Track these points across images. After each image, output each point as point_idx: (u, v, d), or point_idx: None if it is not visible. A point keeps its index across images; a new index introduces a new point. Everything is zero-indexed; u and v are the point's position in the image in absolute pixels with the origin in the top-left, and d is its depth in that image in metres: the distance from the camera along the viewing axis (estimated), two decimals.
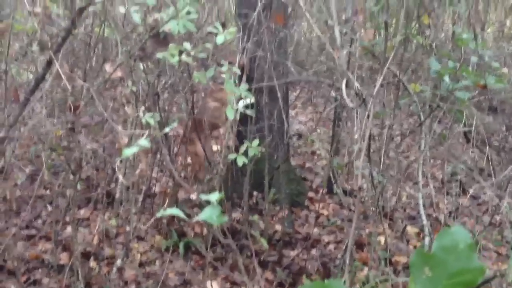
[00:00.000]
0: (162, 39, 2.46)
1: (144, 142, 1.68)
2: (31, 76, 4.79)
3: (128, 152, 1.62)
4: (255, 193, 4.36)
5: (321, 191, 4.76)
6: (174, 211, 1.15)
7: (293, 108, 6.93)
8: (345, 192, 4.62)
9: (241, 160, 3.16)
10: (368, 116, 1.96)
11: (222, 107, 3.60)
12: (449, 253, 0.71)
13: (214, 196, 1.14)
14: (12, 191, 3.58)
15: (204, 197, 1.15)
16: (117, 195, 3.79)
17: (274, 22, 3.56)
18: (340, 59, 1.90)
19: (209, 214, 1.09)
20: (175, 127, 4.00)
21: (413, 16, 3.48)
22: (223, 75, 2.73)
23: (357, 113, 3.07)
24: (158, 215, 1.22)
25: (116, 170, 2.84)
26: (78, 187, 3.80)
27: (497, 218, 4.26)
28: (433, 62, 3.29)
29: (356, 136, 4.34)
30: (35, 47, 2.18)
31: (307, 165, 5.43)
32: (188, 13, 2.42)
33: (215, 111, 3.61)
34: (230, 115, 2.85)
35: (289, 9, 3.96)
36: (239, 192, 4.17)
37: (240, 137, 4.21)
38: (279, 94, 3.57)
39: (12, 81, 3.01)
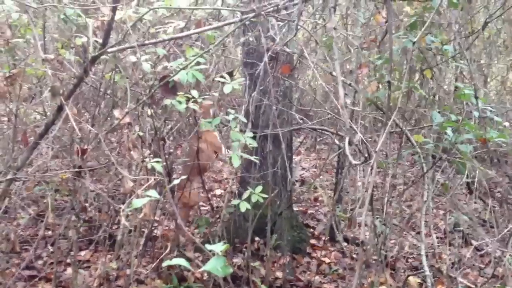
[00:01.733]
0: (171, 88, 2.53)
1: (153, 193, 1.71)
2: (38, 117, 4.86)
3: (138, 203, 1.65)
4: (256, 238, 4.35)
5: (323, 238, 4.74)
6: (180, 261, 1.16)
7: (296, 155, 6.97)
8: (347, 240, 4.61)
9: (244, 206, 3.18)
10: (372, 169, 2.00)
11: (211, 149, 3.67)
12: None
13: (220, 247, 1.16)
14: (16, 232, 3.58)
15: (209, 247, 1.17)
16: (119, 238, 3.78)
17: (280, 72, 3.64)
18: (344, 116, 1.95)
19: (214, 265, 1.11)
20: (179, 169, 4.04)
21: (416, 70, 3.55)
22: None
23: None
24: (164, 264, 1.24)
25: (120, 212, 2.85)
26: (80, 228, 3.82)
27: (500, 270, 4.21)
28: (436, 115, 3.34)
29: (359, 184, 4.37)
30: (46, 93, 2.23)
31: (309, 211, 5.43)
32: (198, 63, 2.49)
33: (204, 153, 3.67)
34: (235, 162, 2.89)
35: (295, 60, 4.04)
36: (241, 237, 4.17)
37: (244, 183, 4.24)
38: (282, 142, 3.61)
39: (21, 123, 3.07)
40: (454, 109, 3.70)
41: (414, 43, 2.64)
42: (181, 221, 2.99)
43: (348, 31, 4.12)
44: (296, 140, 6.77)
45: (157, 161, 2.70)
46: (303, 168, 6.67)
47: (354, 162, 2.10)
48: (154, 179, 2.65)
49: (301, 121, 4.33)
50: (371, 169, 1.94)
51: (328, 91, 3.57)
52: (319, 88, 7.19)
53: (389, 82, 1.98)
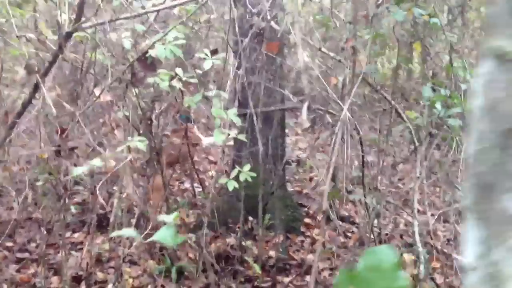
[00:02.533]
0: (149, 64, 2.50)
1: (114, 154, 1.70)
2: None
3: (78, 170, 1.63)
4: (250, 218, 4.34)
5: (317, 217, 4.73)
6: (128, 232, 1.15)
7: (294, 135, 6.94)
8: (342, 218, 4.60)
9: (231, 185, 3.17)
10: (346, 134, 1.97)
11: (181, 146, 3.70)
12: (373, 271, 0.71)
13: (170, 217, 1.14)
14: (4, 214, 3.59)
15: (160, 217, 1.16)
16: (111, 219, 3.78)
17: (267, 50, 3.59)
18: (305, 79, 1.92)
19: (163, 235, 1.09)
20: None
21: (406, 43, 3.51)
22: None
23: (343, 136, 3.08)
24: (112, 235, 1.22)
25: (98, 194, 2.84)
26: (74, 210, 3.82)
27: None
28: (426, 90, 3.31)
29: (352, 162, 4.32)
30: (22, 71, 2.22)
31: (305, 191, 5.41)
32: (176, 38, 2.46)
33: (174, 149, 3.69)
34: (219, 140, 2.87)
35: (284, 37, 3.99)
36: (234, 217, 4.16)
37: (236, 163, 4.21)
38: (273, 120, 3.59)
39: (3, 105, 3.06)
40: (448, 84, 3.65)
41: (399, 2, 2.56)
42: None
43: (336, 7, 4.07)
44: (293, 121, 6.73)
45: (140, 140, 2.68)
46: (300, 149, 6.64)
47: (306, 124, 2.09)
48: (138, 158, 2.64)
49: (293, 101, 4.30)
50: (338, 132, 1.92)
51: (316, 69, 3.54)
52: (315, 68, 7.13)
53: (353, 47, 1.95)
